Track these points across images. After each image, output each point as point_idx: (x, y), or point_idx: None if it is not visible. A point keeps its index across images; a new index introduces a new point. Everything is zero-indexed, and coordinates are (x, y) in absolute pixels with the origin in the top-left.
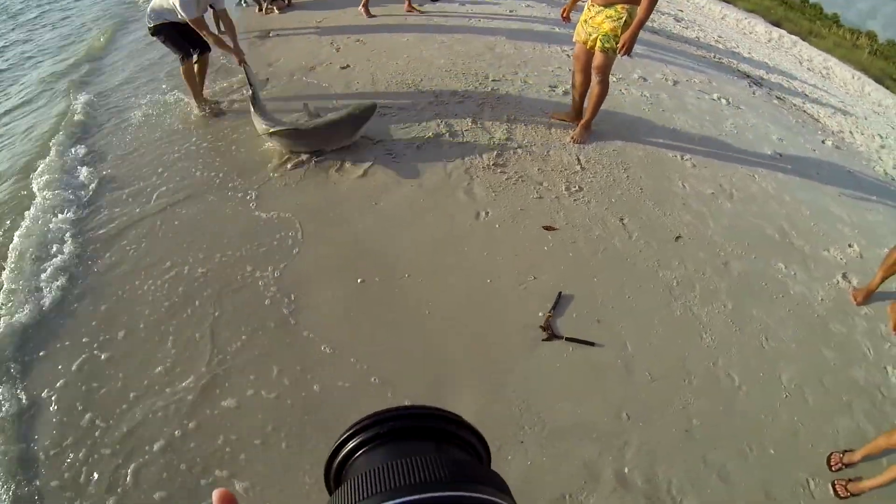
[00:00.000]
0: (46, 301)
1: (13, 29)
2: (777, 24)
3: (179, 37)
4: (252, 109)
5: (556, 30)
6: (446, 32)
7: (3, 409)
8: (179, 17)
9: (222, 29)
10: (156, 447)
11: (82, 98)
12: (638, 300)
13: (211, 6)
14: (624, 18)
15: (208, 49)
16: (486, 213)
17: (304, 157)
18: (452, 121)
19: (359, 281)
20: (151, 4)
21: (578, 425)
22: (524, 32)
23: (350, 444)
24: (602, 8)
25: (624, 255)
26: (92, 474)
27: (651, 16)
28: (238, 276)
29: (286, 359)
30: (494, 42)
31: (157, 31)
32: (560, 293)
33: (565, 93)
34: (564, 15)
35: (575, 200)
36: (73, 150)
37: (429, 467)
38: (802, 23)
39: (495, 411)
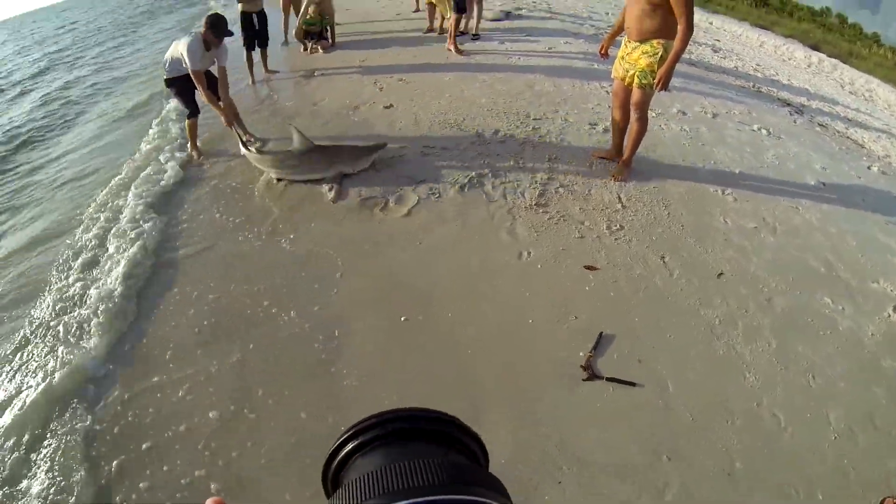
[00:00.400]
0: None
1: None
2: (816, 48)
3: (190, 92)
4: (248, 153)
5: (595, 66)
6: (487, 71)
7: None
8: (184, 66)
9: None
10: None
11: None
12: (679, 339)
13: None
14: (660, 53)
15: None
16: (529, 254)
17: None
18: (495, 160)
19: (402, 319)
20: (168, 53)
21: (617, 466)
22: (563, 69)
23: (347, 447)
24: (638, 44)
25: (665, 294)
26: None
27: (688, 48)
28: (275, 311)
29: (316, 390)
30: (534, 80)
31: (171, 83)
32: (601, 333)
33: (605, 130)
34: (602, 51)
35: (616, 239)
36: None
37: (427, 470)
38: (842, 44)
39: (533, 449)
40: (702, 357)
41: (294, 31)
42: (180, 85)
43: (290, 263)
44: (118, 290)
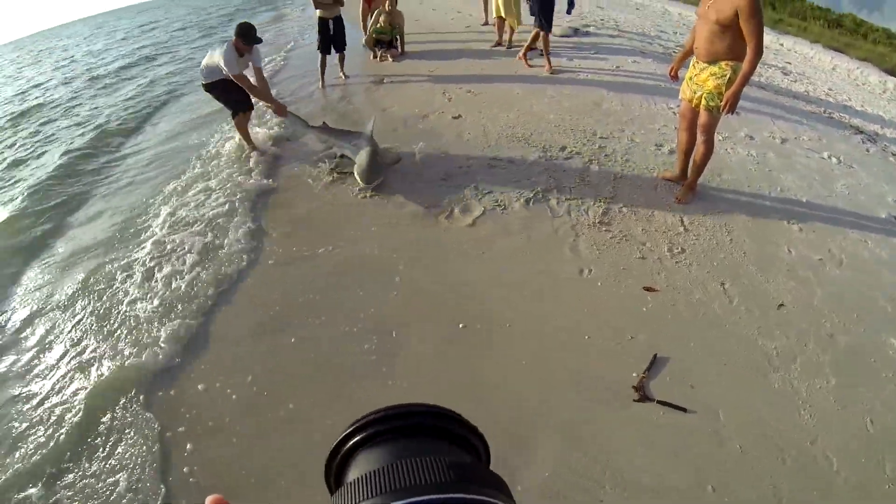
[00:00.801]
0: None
1: None
2: (892, 73)
3: (229, 93)
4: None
5: (663, 86)
6: (555, 86)
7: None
8: (224, 73)
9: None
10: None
11: None
12: (735, 368)
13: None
14: (728, 75)
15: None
16: (590, 271)
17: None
18: (561, 176)
19: (461, 326)
20: (203, 62)
21: (661, 492)
22: (631, 88)
23: (349, 443)
24: (706, 65)
25: (723, 321)
26: None
27: (757, 70)
28: (332, 309)
29: (368, 388)
30: (602, 98)
31: (210, 87)
32: (655, 355)
33: (671, 152)
34: (672, 73)
35: (677, 262)
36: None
37: (432, 468)
38: None
39: (576, 465)
40: (756, 388)
41: (364, 40)
42: (218, 89)
43: (352, 264)
44: (201, 277)
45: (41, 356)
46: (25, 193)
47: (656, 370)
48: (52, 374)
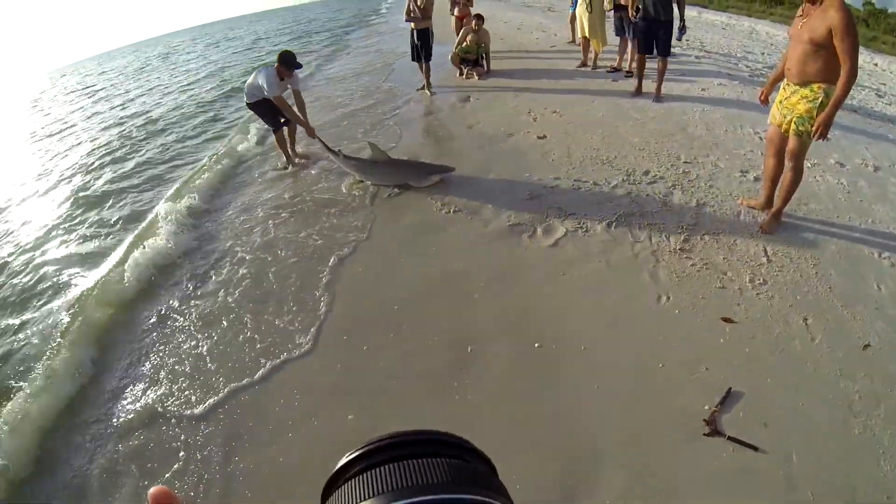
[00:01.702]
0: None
1: None
2: None
3: (270, 112)
4: (339, 163)
5: (750, 111)
6: (640, 108)
7: None
8: (265, 94)
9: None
10: None
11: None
12: (812, 410)
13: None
14: (820, 99)
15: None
16: (668, 298)
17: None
18: (643, 201)
19: (536, 345)
20: (247, 83)
21: None
22: (716, 112)
23: (346, 474)
24: (798, 87)
25: (803, 359)
26: None
27: (850, 93)
28: (411, 320)
29: (438, 401)
30: (687, 122)
31: (252, 106)
32: (730, 389)
33: (756, 178)
34: (762, 98)
35: (758, 294)
36: None
37: (432, 470)
38: None
39: (638, 497)
40: (834, 433)
41: (450, 57)
42: (259, 108)
43: (434, 278)
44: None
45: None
46: None
47: (729, 405)
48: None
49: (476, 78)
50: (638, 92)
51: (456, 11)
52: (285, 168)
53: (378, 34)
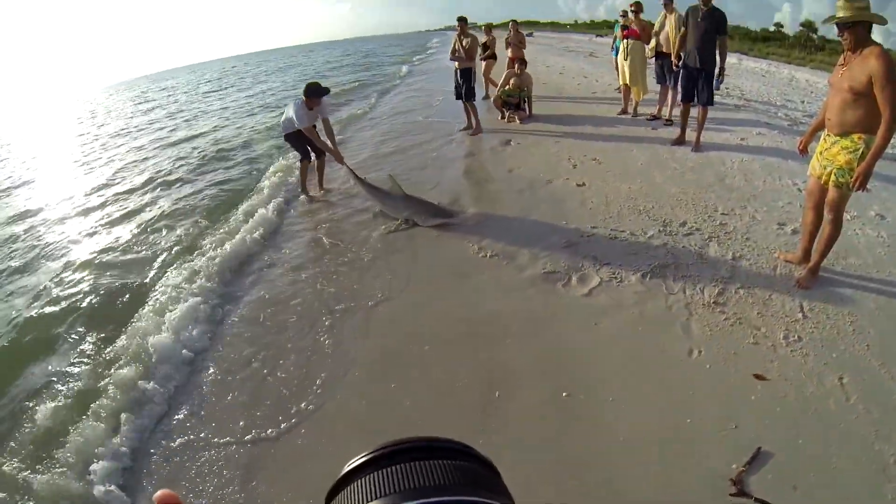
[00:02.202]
0: None
1: None
2: None
3: (300, 141)
4: (361, 188)
5: (789, 161)
6: (679, 158)
7: None
8: (296, 126)
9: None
10: None
11: None
12: (844, 473)
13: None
14: (861, 150)
15: (323, 154)
16: (699, 352)
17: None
18: (679, 253)
19: (564, 394)
20: (283, 117)
21: None
22: (755, 163)
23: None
24: (838, 138)
25: (837, 420)
26: None
27: (890, 143)
28: (441, 364)
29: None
30: (725, 172)
31: (287, 138)
32: (759, 448)
33: (794, 232)
34: (801, 147)
35: (792, 351)
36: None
37: (445, 473)
38: None
39: None
40: (867, 498)
41: (492, 99)
42: (293, 139)
43: (466, 320)
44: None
45: None
46: None
47: (758, 464)
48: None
49: (518, 122)
50: (680, 141)
51: (509, 52)
52: (307, 197)
53: (423, 73)
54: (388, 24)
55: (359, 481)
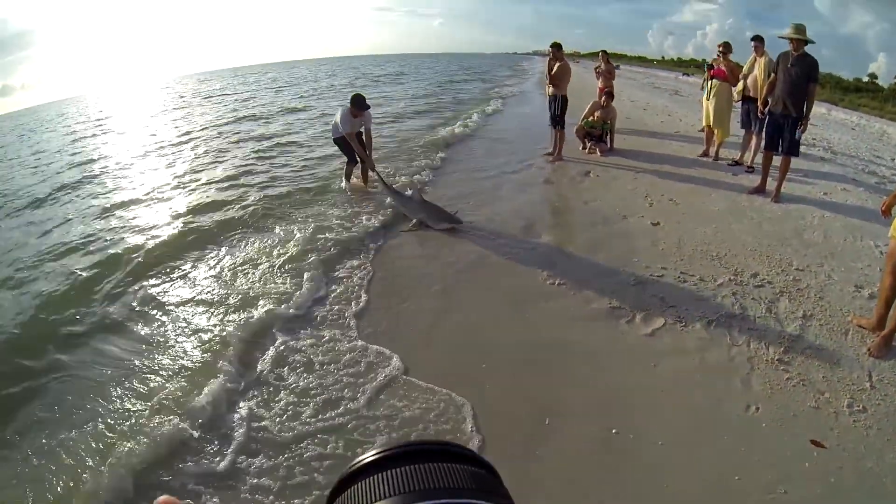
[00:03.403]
0: None
1: None
2: None
3: (347, 146)
4: (387, 192)
5: (873, 222)
6: (757, 207)
7: None
8: (340, 131)
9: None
10: None
11: None
12: None
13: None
14: None
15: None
16: (757, 409)
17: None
18: (747, 303)
19: (613, 431)
20: (332, 122)
21: None
22: (837, 220)
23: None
24: None
25: (893, 500)
26: None
27: None
28: (495, 386)
29: (509, 468)
30: (803, 227)
31: (335, 141)
32: None
33: (871, 296)
34: (884, 208)
35: (854, 421)
36: None
37: (454, 475)
38: None
39: None
40: None
41: (575, 129)
42: (340, 143)
43: (525, 346)
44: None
45: None
46: None
47: None
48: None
49: (598, 154)
50: (759, 190)
51: (600, 83)
52: (346, 185)
53: (512, 96)
54: (477, 42)
55: (364, 481)
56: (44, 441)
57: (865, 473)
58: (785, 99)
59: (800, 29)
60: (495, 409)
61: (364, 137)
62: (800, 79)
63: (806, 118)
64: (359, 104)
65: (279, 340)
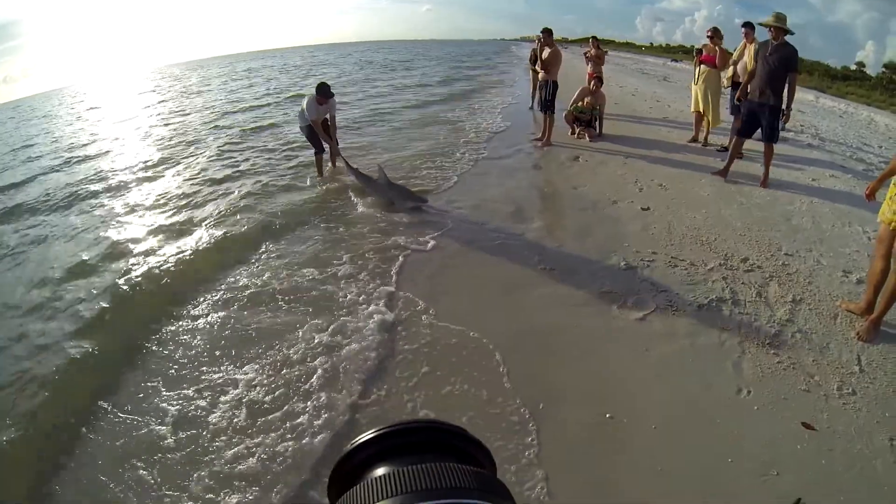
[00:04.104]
0: None
1: None
2: None
3: (315, 137)
4: (353, 175)
5: (861, 208)
6: (746, 192)
7: None
8: (306, 118)
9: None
10: None
11: None
12: None
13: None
14: None
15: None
16: (748, 392)
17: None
18: (737, 288)
19: (607, 415)
20: (300, 108)
21: None
22: (825, 205)
23: (359, 455)
24: None
25: (882, 482)
26: None
27: None
28: (484, 370)
29: (502, 454)
30: (792, 212)
31: (302, 130)
32: (799, 500)
33: (859, 281)
34: (868, 192)
35: (844, 404)
36: None
37: (456, 474)
38: None
39: None
40: None
41: (564, 115)
42: (307, 132)
43: (518, 331)
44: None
45: None
46: None
47: None
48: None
49: (587, 139)
50: (723, 174)
51: (589, 68)
52: (317, 180)
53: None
54: (464, 29)
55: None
56: None
57: (856, 455)
58: (763, 87)
59: (780, 17)
60: (489, 396)
61: (329, 123)
62: (778, 68)
63: (788, 107)
64: (324, 92)
65: None
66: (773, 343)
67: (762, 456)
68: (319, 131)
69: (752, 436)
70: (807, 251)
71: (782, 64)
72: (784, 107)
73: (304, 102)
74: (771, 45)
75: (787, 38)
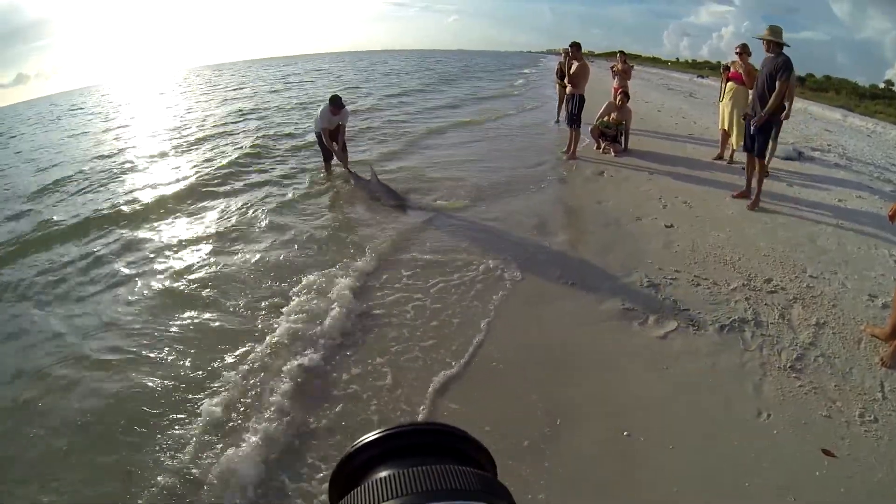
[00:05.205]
0: None
1: None
2: None
3: (324, 143)
4: (352, 178)
5: (888, 231)
6: (770, 213)
7: None
8: (319, 125)
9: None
10: None
11: None
12: None
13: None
14: None
15: (344, 150)
16: (768, 416)
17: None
18: (760, 309)
19: (625, 433)
20: (315, 117)
21: None
22: (851, 227)
23: (361, 457)
24: None
25: None
26: None
27: None
28: (505, 387)
29: (519, 471)
30: (817, 233)
31: (317, 135)
32: None
33: (885, 306)
34: (892, 213)
35: (865, 431)
36: None
37: (458, 476)
38: None
39: None
40: None
41: (590, 129)
42: (319, 140)
43: (540, 344)
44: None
45: None
46: None
47: None
48: None
49: (612, 154)
50: (744, 195)
51: (616, 82)
52: (323, 177)
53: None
54: (490, 40)
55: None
56: None
57: (876, 484)
58: (754, 99)
59: (775, 31)
60: (506, 408)
61: (340, 131)
62: (768, 80)
63: (766, 112)
64: (336, 103)
65: None
66: (795, 366)
67: (780, 481)
68: (326, 138)
69: (770, 459)
70: (832, 273)
71: (771, 75)
72: (764, 114)
73: (319, 111)
74: (766, 58)
75: (786, 50)
